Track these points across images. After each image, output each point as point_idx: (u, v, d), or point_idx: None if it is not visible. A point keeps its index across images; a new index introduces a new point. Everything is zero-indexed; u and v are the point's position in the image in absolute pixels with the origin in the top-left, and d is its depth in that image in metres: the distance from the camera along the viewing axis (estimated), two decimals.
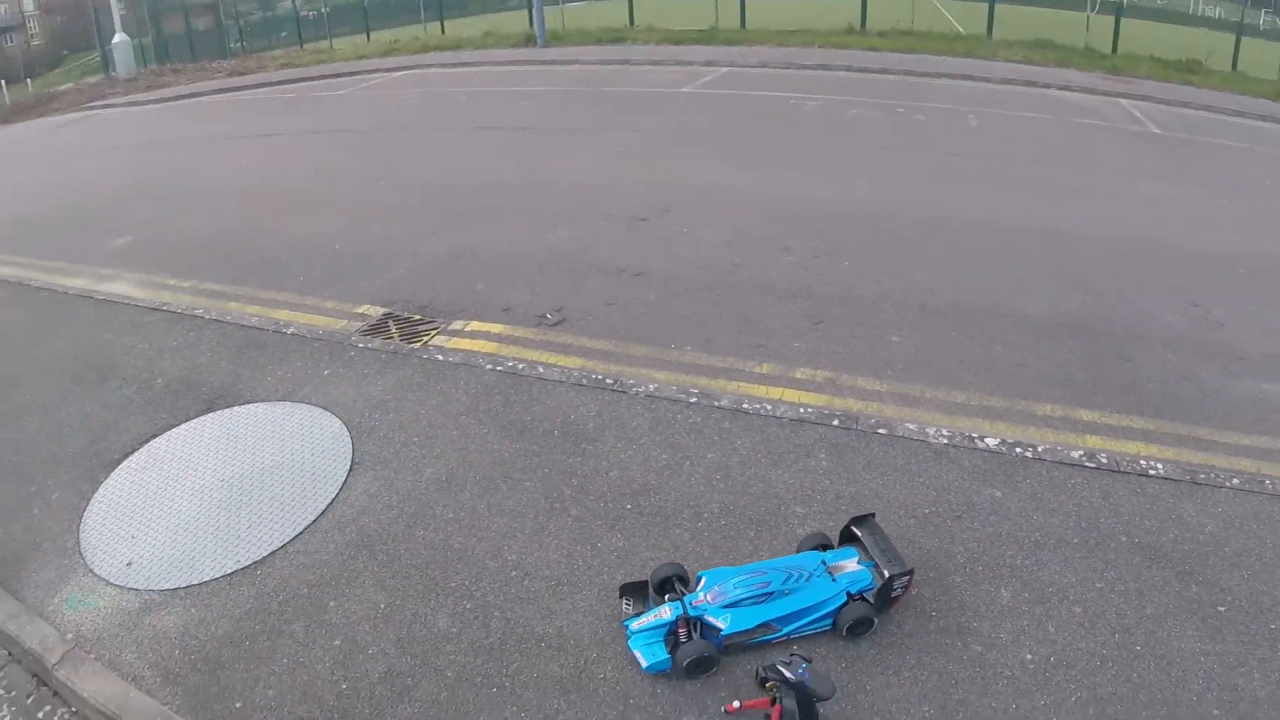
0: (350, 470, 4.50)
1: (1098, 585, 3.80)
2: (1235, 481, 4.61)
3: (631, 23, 25.90)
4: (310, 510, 4.23)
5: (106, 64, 33.46)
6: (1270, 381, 5.99)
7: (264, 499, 4.34)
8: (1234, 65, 24.10)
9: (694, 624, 3.32)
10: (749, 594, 3.40)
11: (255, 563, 3.92)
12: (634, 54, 21.30)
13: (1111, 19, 25.07)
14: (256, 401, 5.29)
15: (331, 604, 3.62)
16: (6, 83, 37.01)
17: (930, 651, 3.43)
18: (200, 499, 4.39)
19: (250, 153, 13.30)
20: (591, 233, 8.43)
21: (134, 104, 21.93)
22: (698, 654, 3.20)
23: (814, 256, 7.80)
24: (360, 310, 6.66)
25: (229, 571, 3.89)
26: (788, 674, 2.87)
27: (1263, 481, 4.64)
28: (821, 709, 3.01)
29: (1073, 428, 5.21)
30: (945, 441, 4.86)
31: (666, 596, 3.46)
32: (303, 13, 36.80)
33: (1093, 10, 26.43)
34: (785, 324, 6.46)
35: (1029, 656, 3.41)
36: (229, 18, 37.65)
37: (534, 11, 24.02)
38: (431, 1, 31.43)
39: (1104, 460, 4.74)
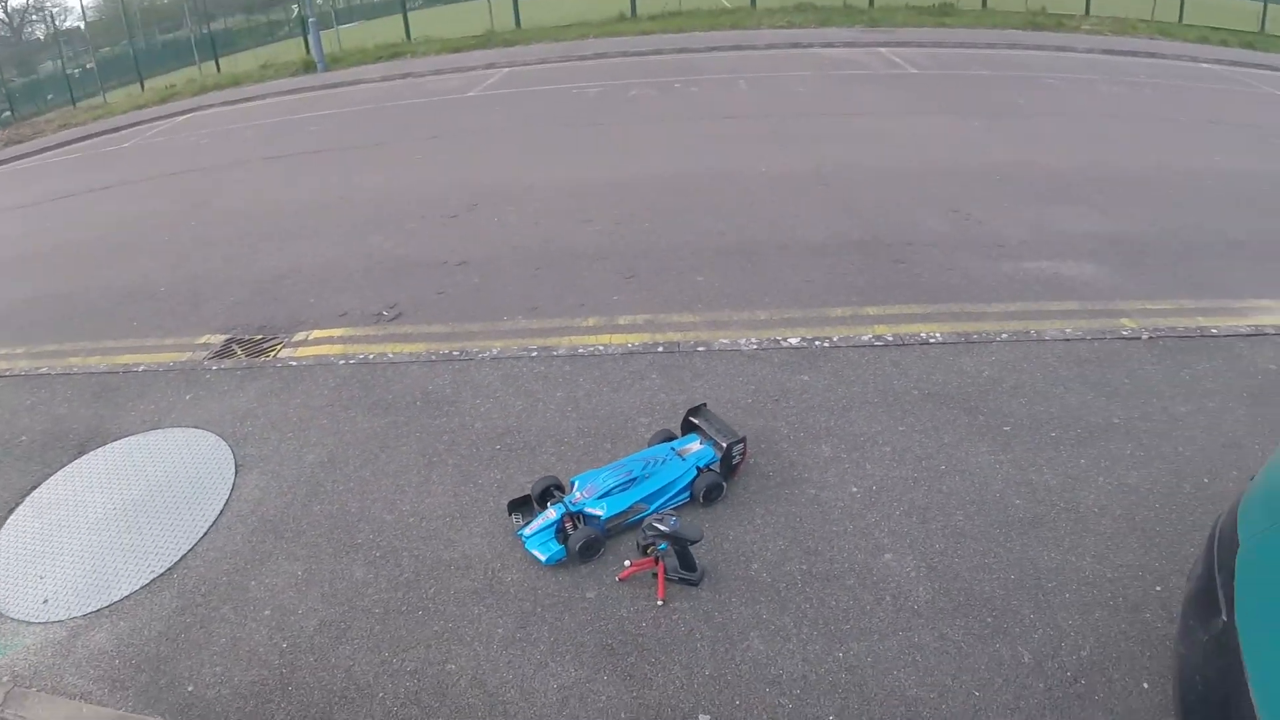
0: (236, 472, 4.80)
1: (900, 429, 4.69)
2: (1004, 336, 5.66)
3: (408, 37, 26.09)
4: (209, 512, 4.52)
5: None
6: (1028, 260, 7.14)
7: (162, 513, 4.59)
8: (984, 3, 26.28)
9: (577, 517, 3.94)
10: (617, 482, 4.06)
11: (170, 568, 4.17)
12: (416, 67, 21.59)
13: None
14: (127, 435, 5.50)
15: (252, 584, 3.96)
16: None
17: (774, 501, 4.16)
18: (100, 528, 4.57)
19: (48, 217, 12.88)
20: (406, 234, 8.86)
21: None
22: (586, 538, 3.80)
23: (615, 224, 8.54)
24: (202, 341, 6.85)
25: (147, 582, 4.12)
26: (662, 527, 3.51)
27: (1028, 333, 5.71)
28: (696, 556, 3.68)
29: (862, 321, 6.16)
30: (755, 347, 5.69)
31: (549, 503, 4.06)
32: (69, 70, 34.96)
33: None
34: (601, 282, 7.15)
35: (854, 489, 4.21)
36: None
37: (310, 37, 23.82)
38: (202, 41, 30.57)
39: (890, 339, 5.70)
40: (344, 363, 5.95)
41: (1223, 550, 2.58)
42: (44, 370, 6.72)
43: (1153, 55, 20.10)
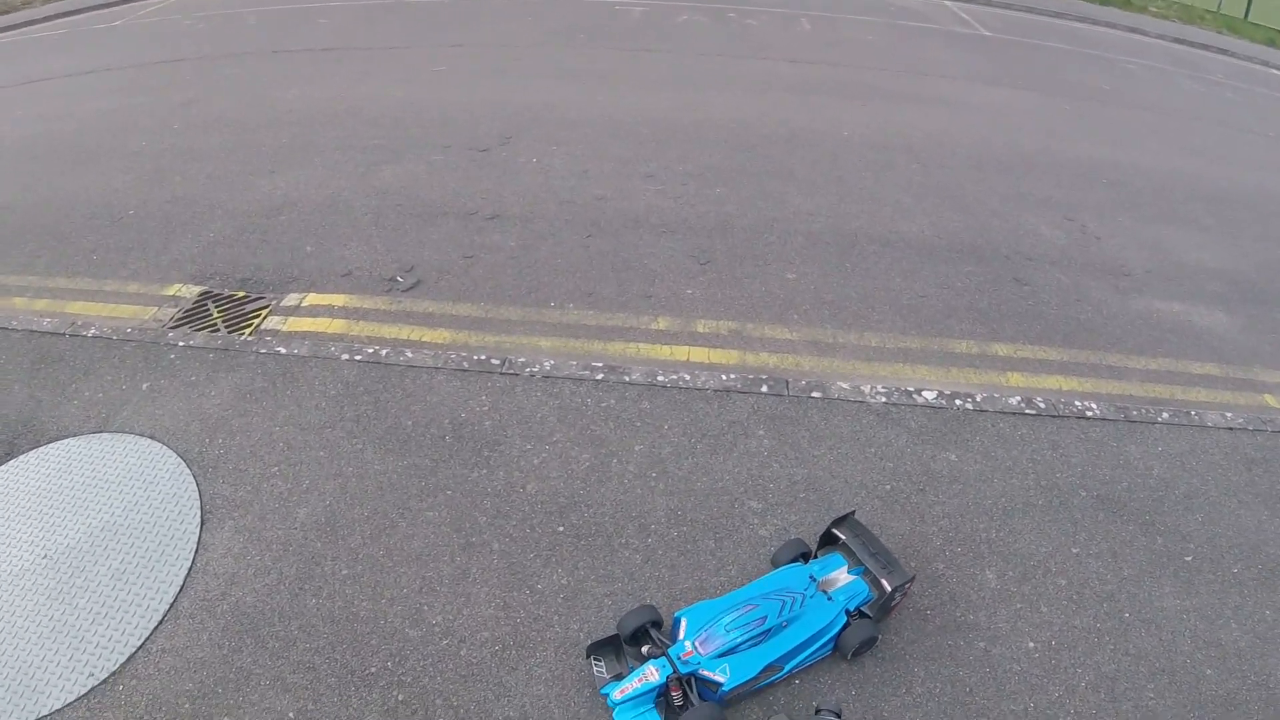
0: (202, 523, 3.58)
1: (1074, 551, 3.62)
2: (1165, 416, 4.61)
3: None
4: (166, 586, 3.32)
5: None
6: (1158, 299, 6.05)
7: (104, 577, 3.38)
8: None
9: (687, 682, 2.76)
10: (746, 636, 2.86)
11: (113, 674, 3.02)
12: None
13: None
14: (66, 437, 4.20)
15: None
16: None
17: (936, 658, 3.09)
18: (25, 585, 3.37)
19: (21, 103, 11.29)
20: (426, 169, 7.42)
21: None
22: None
23: (680, 183, 7.18)
24: (171, 292, 5.53)
25: (84, 691, 2.97)
26: None
27: (1189, 414, 4.66)
28: None
29: (993, 365, 5.01)
30: (884, 400, 4.44)
31: (645, 650, 2.88)
32: None
33: None
34: (669, 265, 5.85)
35: (1031, 645, 3.18)
36: None
37: None
38: None
39: (1042, 405, 4.54)
40: (348, 357, 4.64)
41: None
42: None
43: (1224, 52, 18.70)
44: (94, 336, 4.96)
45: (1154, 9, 22.46)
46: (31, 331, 5.09)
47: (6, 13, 21.04)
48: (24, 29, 18.33)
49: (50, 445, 4.17)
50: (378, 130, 8.40)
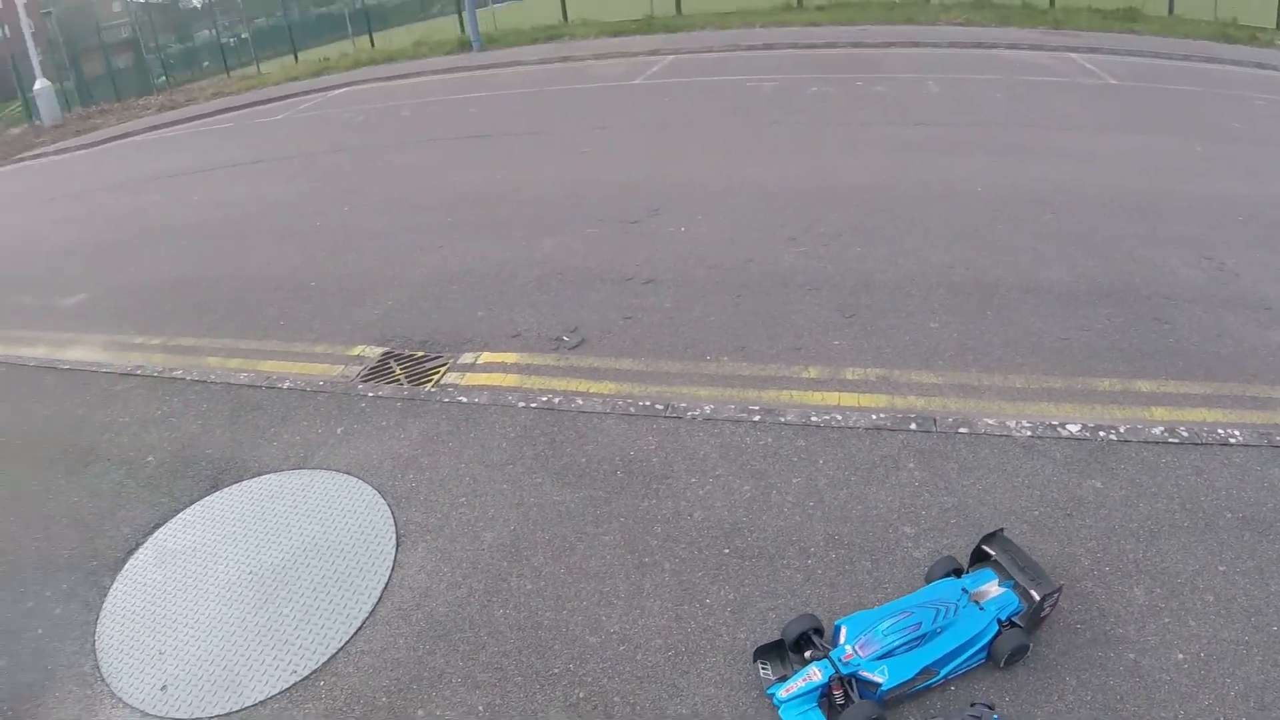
0: (398, 545, 4.00)
1: (1220, 569, 3.63)
2: None
3: (565, 18, 25.41)
4: (364, 598, 3.73)
5: (30, 112, 32.16)
6: None
7: (307, 590, 3.82)
8: (1170, 9, 24.40)
9: (848, 682, 2.96)
10: (902, 640, 3.04)
11: (315, 671, 3.40)
12: (574, 50, 20.88)
13: None
14: (267, 473, 4.75)
15: (420, 713, 3.15)
16: None
17: (1087, 668, 3.16)
18: (231, 597, 3.85)
19: (197, 189, 12.53)
20: (582, 240, 7.97)
21: (65, 151, 20.89)
22: (864, 716, 2.83)
23: (822, 244, 7.46)
24: (355, 352, 6.15)
25: (286, 686, 3.35)
26: None
27: None
28: None
29: (1137, 400, 5.02)
30: (1029, 434, 4.56)
31: (807, 654, 3.09)
32: (224, 39, 35.75)
33: None
34: (816, 320, 6.11)
35: (1180, 656, 3.22)
36: (149, 52, 36.43)
37: (466, 15, 23.34)
38: (356, 15, 30.60)
39: (1185, 434, 4.55)
40: (524, 405, 5.08)
41: None
42: (178, 373, 6.11)
43: None
44: (288, 389, 5.56)
45: None
46: (229, 384, 5.75)
47: (174, 108, 23.24)
48: (193, 122, 20.27)
49: (253, 479, 4.71)
50: (534, 208, 9.04)
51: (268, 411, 5.30)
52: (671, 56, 19.15)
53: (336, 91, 20.11)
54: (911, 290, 6.48)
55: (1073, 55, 18.25)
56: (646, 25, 23.48)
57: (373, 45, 28.41)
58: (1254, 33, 22.15)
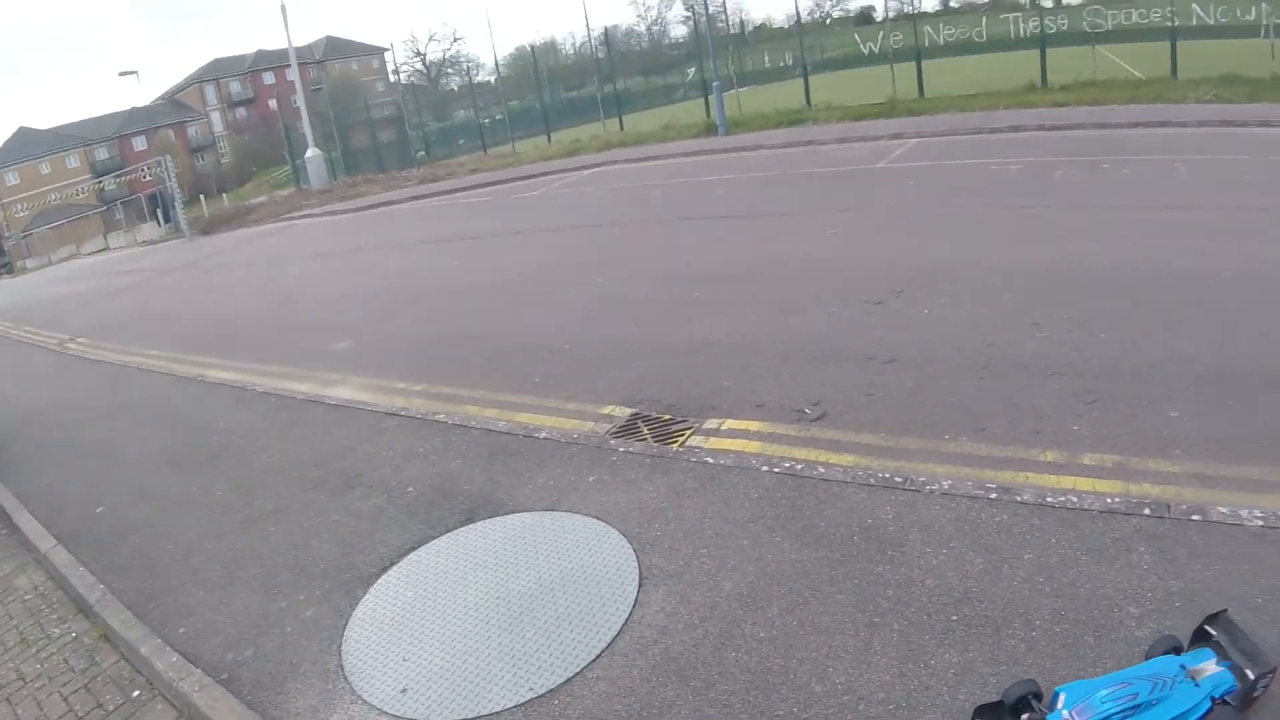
0: (640, 585, 4.29)
1: None
2: None
3: (809, 103, 25.93)
4: (605, 630, 4.02)
5: (298, 177, 36.18)
6: None
7: (550, 618, 4.16)
8: None
9: None
10: (1118, 708, 3.02)
11: (551, 690, 3.70)
12: (818, 134, 21.23)
13: None
14: (520, 511, 5.19)
15: None
16: (204, 198, 40.41)
17: None
18: (477, 617, 4.24)
19: (456, 255, 13.66)
20: (826, 319, 8.18)
21: (331, 213, 23.24)
22: None
23: (1066, 330, 7.32)
24: (606, 411, 6.60)
25: (523, 700, 3.66)
26: None
27: None
28: None
29: None
30: (1260, 523, 4.34)
31: (1024, 717, 3.13)
32: (481, 119, 38.72)
33: (1272, 37, 24.70)
34: (1056, 405, 6.01)
35: None
36: (411, 129, 40.04)
37: (714, 100, 24.29)
38: (606, 99, 32.42)
39: None
40: (767, 469, 5.31)
41: None
42: (440, 417, 6.73)
43: None
44: (544, 439, 6.06)
45: None
46: (488, 430, 6.31)
47: (433, 180, 25.25)
48: (450, 194, 22.00)
49: (507, 515, 5.14)
50: (780, 286, 9.38)
51: (524, 457, 5.79)
52: (915, 140, 19.18)
53: (589, 171, 21.37)
54: (1153, 378, 6.26)
55: None
56: (889, 108, 23.57)
57: (622, 128, 30.02)
58: None
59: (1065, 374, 6.46)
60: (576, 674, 3.77)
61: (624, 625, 4.04)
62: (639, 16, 63.16)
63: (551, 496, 5.26)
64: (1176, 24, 25.87)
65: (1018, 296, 8.20)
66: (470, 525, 5.13)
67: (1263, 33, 25.57)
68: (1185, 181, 13.21)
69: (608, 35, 39.34)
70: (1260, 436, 5.38)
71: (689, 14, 50.65)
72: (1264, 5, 25.72)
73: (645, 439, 6.04)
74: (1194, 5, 28.33)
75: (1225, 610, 3.47)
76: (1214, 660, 3.27)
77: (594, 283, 10.26)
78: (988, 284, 8.68)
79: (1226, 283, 8.14)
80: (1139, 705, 3.05)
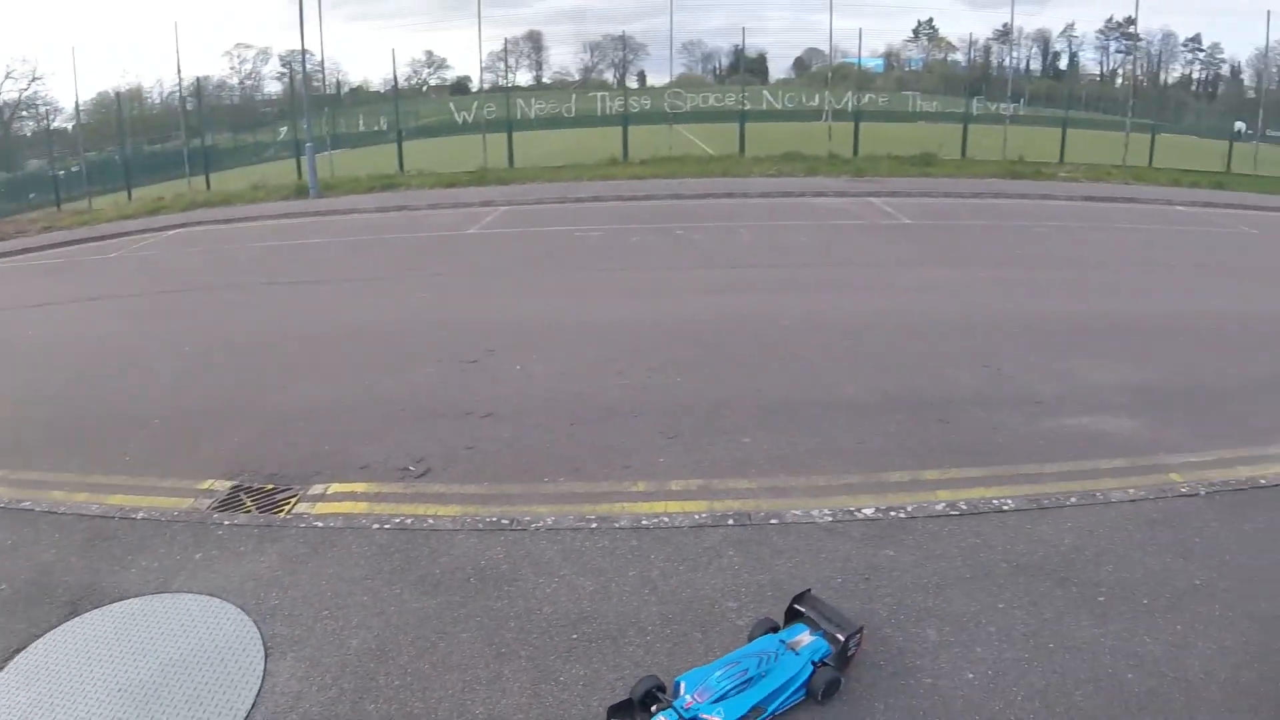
0: (266, 656, 4.19)
1: (999, 606, 4.41)
2: (1073, 500, 5.54)
3: (402, 168, 26.19)
4: (239, 706, 3.86)
5: None
6: (1068, 417, 7.12)
7: (180, 701, 3.92)
8: (963, 153, 27.53)
9: None
10: (733, 684, 3.58)
11: None
12: (411, 199, 21.58)
13: (850, 125, 28.03)
14: (129, 597, 4.82)
15: None
16: None
17: (893, 694, 3.78)
18: (104, 712, 3.86)
19: (27, 325, 12.27)
20: (424, 379, 8.43)
21: None
22: None
23: (646, 376, 8.22)
24: (205, 486, 6.26)
25: None
26: None
27: (1094, 494, 5.64)
28: None
29: (923, 486, 5.93)
30: (830, 519, 5.32)
31: (653, 708, 3.56)
32: (56, 171, 34.46)
33: (829, 120, 29.43)
34: (643, 442, 6.77)
35: (970, 675, 3.88)
36: None
37: (306, 161, 23.71)
38: (195, 155, 30.42)
39: (964, 507, 5.44)
40: (378, 527, 5.40)
41: None
42: (27, 504, 6.08)
43: (1131, 200, 21.38)
44: (142, 519, 5.65)
45: (1063, 174, 25.06)
46: (80, 515, 5.77)
47: (1, 240, 22.18)
48: (21, 255, 19.50)
49: (114, 604, 4.76)
50: (375, 349, 9.48)
51: (123, 541, 5.37)
52: (505, 207, 20.16)
53: (172, 232, 19.90)
54: (725, 412, 7.30)
55: (873, 200, 20.41)
56: (480, 176, 24.53)
57: (209, 186, 28.19)
58: (1038, 168, 25.38)
59: (648, 414, 7.28)
60: None
61: (257, 697, 3.93)
62: (232, 69, 59.75)
63: (159, 578, 4.94)
64: (747, 107, 29.79)
65: (601, 350, 9.09)
66: (78, 618, 4.64)
67: (823, 117, 30.25)
68: (748, 244, 15.36)
69: (199, 86, 36.65)
70: (819, 451, 6.55)
71: (284, 70, 48.83)
72: (826, 94, 30.50)
73: (250, 511, 5.87)
74: (764, 92, 32.80)
75: (809, 590, 4.24)
76: (807, 632, 3.98)
77: (179, 351, 9.66)
78: (572, 340, 9.54)
79: (785, 329, 9.62)
80: (750, 679, 3.63)
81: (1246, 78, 51.61)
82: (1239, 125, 34.02)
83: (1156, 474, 6.08)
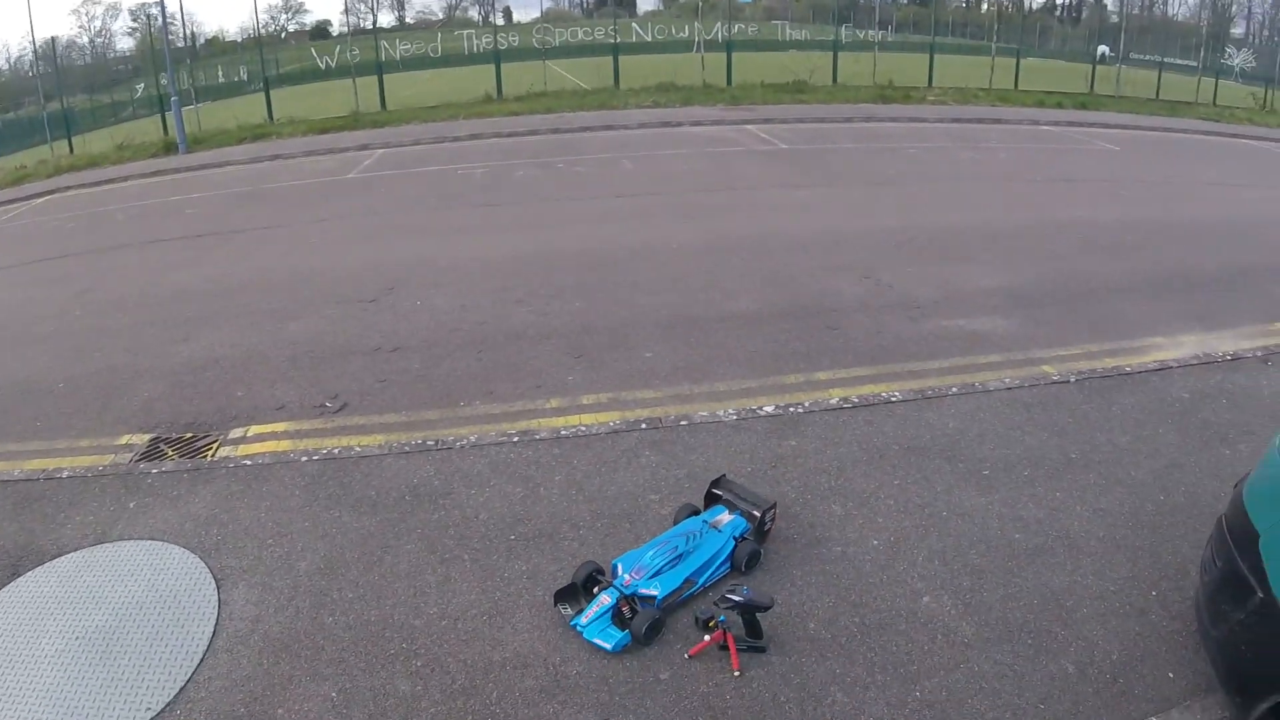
0: (219, 587, 4.36)
1: (896, 483, 4.99)
2: (954, 390, 6.17)
3: (271, 118, 25.37)
4: (199, 634, 4.06)
5: None
6: (946, 319, 7.75)
7: (140, 640, 4.07)
8: (834, 79, 28.17)
9: (631, 600, 3.86)
10: (665, 560, 4.03)
11: (169, 703, 3.67)
12: (285, 148, 21.02)
13: (723, 55, 28.36)
14: (69, 552, 4.88)
15: (280, 711, 3.58)
16: None
17: (809, 562, 4.30)
18: (65, 661, 3.98)
19: None
20: (327, 320, 8.50)
21: None
22: (649, 620, 3.74)
23: (546, 302, 8.50)
24: (123, 441, 6.24)
25: None
26: (736, 598, 3.59)
27: (974, 385, 6.25)
28: (763, 621, 3.73)
29: (817, 386, 6.45)
30: (735, 418, 5.81)
31: (595, 589, 3.96)
32: None
33: (701, 51, 29.68)
34: (551, 362, 7.10)
35: (875, 542, 4.45)
36: None
37: (173, 116, 22.71)
38: (54, 119, 28.72)
39: (856, 401, 6.01)
40: (306, 459, 5.58)
41: (1240, 542, 3.11)
42: None
43: (998, 120, 22.47)
44: (68, 477, 5.62)
45: (931, 97, 25.96)
46: (4, 482, 5.71)
47: None
48: None
49: (56, 559, 4.79)
50: (273, 296, 9.42)
51: (53, 499, 5.34)
52: (382, 150, 19.87)
53: (41, 200, 18.86)
54: (626, 331, 7.68)
55: (749, 126, 20.85)
56: (353, 121, 23.99)
57: (71, 150, 26.73)
58: (907, 92, 26.16)
59: (553, 338, 7.60)
60: (188, 680, 3.78)
61: (216, 624, 4.12)
62: (81, 27, 56.09)
63: (97, 530, 4.98)
64: (619, 40, 29.78)
65: (499, 281, 9.31)
66: (21, 577, 4.65)
67: (695, 48, 30.45)
68: (632, 174, 15.62)
69: (54, 46, 34.21)
70: (718, 360, 7.02)
71: (135, 25, 46.11)
72: (697, 24, 30.68)
73: (173, 459, 5.93)
74: (634, 25, 32.78)
75: (725, 475, 4.73)
76: (726, 512, 4.47)
77: (72, 315, 9.39)
78: (469, 274, 9.70)
79: (675, 251, 10.01)
80: (680, 555, 4.09)
81: (1110, 2, 54.22)
82: (1102, 49, 35.92)
83: (1030, 366, 6.76)
